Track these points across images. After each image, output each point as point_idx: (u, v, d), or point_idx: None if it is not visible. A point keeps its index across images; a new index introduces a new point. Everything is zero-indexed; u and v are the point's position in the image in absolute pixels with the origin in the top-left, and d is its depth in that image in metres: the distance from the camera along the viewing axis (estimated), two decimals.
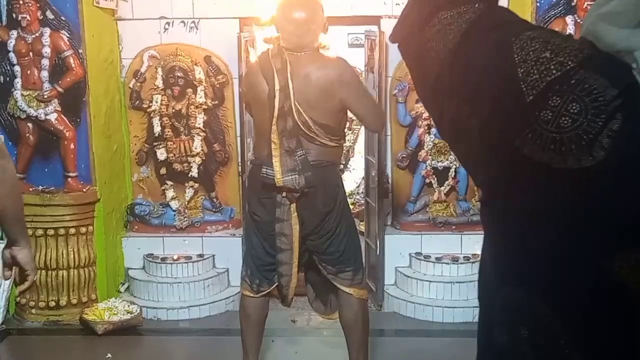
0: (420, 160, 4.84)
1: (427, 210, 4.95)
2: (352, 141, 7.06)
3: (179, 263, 4.94)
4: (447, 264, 4.81)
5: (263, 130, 3.60)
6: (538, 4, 4.37)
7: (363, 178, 5.79)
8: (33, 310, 4.75)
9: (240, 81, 4.41)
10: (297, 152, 3.52)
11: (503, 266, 0.94)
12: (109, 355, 4.31)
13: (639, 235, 0.78)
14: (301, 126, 3.46)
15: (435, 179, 4.87)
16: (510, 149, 0.84)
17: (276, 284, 3.75)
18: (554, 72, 0.81)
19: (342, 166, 6.80)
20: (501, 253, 0.94)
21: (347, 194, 6.39)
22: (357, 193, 6.76)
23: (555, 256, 0.83)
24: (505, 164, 0.86)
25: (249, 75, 3.78)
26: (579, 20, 4.37)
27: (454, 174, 4.86)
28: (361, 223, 5.88)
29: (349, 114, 3.87)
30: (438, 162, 4.83)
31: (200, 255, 4.98)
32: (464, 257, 4.83)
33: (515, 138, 0.83)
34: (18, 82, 4.51)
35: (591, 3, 4.16)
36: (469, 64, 0.91)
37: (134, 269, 5.08)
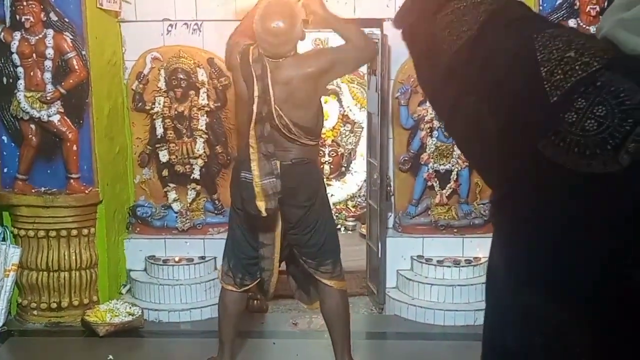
0: (422, 163, 4.85)
1: (429, 213, 4.96)
2: (354, 144, 7.04)
3: (181, 265, 4.95)
4: (449, 266, 4.83)
5: (243, 131, 3.72)
6: (541, 7, 4.37)
7: (365, 180, 5.87)
8: (34, 312, 4.78)
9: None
10: (273, 156, 3.62)
11: (520, 271, 0.92)
12: (111, 357, 4.32)
13: None
14: (282, 129, 3.58)
15: (437, 181, 4.88)
16: (532, 151, 0.82)
17: (259, 279, 3.85)
18: (580, 72, 0.79)
19: (343, 168, 7.09)
20: (517, 257, 0.92)
21: (345, 198, 6.47)
22: (359, 196, 6.85)
23: (576, 263, 0.82)
24: (525, 165, 0.84)
25: (236, 65, 3.82)
26: (581, 24, 4.40)
27: (455, 176, 4.87)
28: (363, 225, 5.92)
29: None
30: (440, 165, 4.85)
31: (202, 257, 4.99)
32: (465, 260, 4.83)
33: (537, 140, 0.81)
34: (21, 83, 4.53)
35: (594, 7, 4.39)
36: (488, 60, 0.88)
37: (136, 270, 5.09)
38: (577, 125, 0.77)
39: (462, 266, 4.83)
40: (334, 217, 4.36)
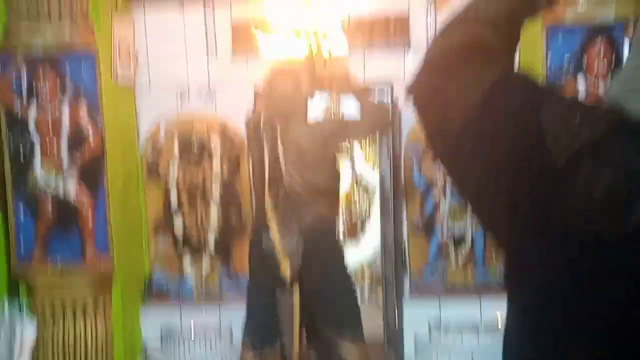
0: (436, 225, 4.79)
1: (445, 275, 4.87)
2: (368, 206, 7.08)
3: (196, 337, 4.97)
4: (467, 331, 4.76)
5: (259, 197, 3.81)
6: (549, 65, 4.40)
7: (379, 243, 5.77)
8: None
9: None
10: (292, 220, 3.65)
11: (526, 339, 0.92)
12: None
13: None
14: (296, 190, 3.64)
15: (452, 244, 4.82)
16: (541, 216, 0.83)
17: (279, 344, 3.86)
18: (585, 137, 0.80)
19: (357, 232, 7.06)
20: (524, 324, 0.92)
21: (359, 262, 6.55)
22: (373, 259, 6.73)
23: (590, 330, 0.81)
24: (534, 229, 0.85)
25: (249, 129, 3.97)
26: (589, 79, 4.40)
27: (470, 238, 4.82)
28: (378, 289, 5.87)
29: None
30: (454, 227, 4.79)
31: (219, 328, 4.96)
32: (483, 324, 4.76)
33: (545, 207, 0.82)
34: (37, 154, 4.50)
35: (603, 67, 4.38)
36: (495, 126, 0.90)
37: (152, 339, 5.05)
38: (585, 190, 0.78)
39: (480, 331, 4.76)
40: (353, 282, 4.35)
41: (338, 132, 3.86)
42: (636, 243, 0.76)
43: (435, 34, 1.08)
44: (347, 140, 4.11)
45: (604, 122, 0.82)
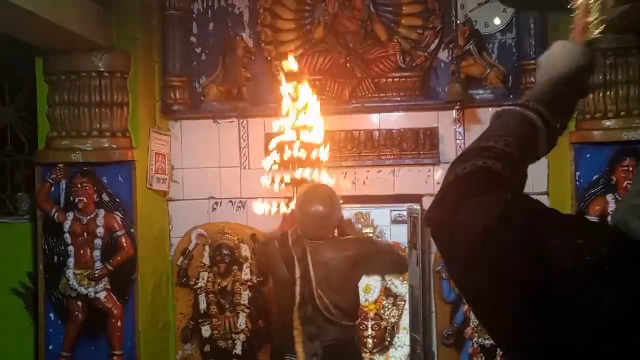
0: (466, 337, 4.71)
1: None
2: (397, 317, 6.71)
3: None
4: None
5: (283, 315, 3.71)
6: (578, 183, 4.39)
7: (409, 355, 5.71)
8: None
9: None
10: (317, 337, 3.60)
11: None
12: None
13: None
14: (323, 311, 3.56)
15: (483, 357, 4.65)
16: (547, 336, 0.83)
17: None
18: (589, 258, 0.80)
19: (386, 342, 6.72)
20: None
21: None
22: None
23: None
24: (540, 348, 0.85)
25: (268, 249, 3.88)
26: (619, 198, 4.31)
27: (502, 351, 4.51)
28: None
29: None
30: (485, 339, 4.63)
31: None
32: None
33: (552, 325, 0.82)
34: (71, 261, 4.61)
35: (630, 182, 4.40)
36: (501, 249, 0.91)
37: None
38: (590, 309, 0.78)
39: None
40: None
41: (361, 262, 3.83)
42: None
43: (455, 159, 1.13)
44: (368, 267, 4.03)
45: (609, 244, 0.82)
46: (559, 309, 0.81)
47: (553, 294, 0.82)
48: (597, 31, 1.25)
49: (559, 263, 0.82)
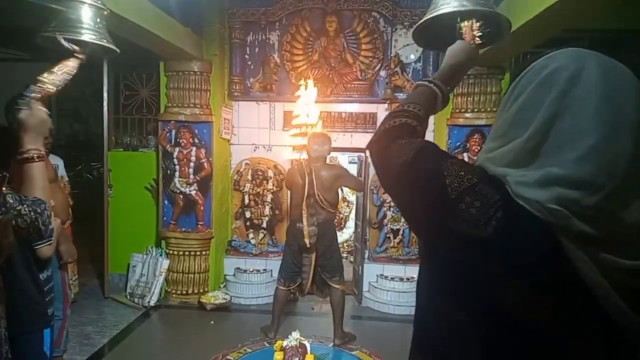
0: (384, 224, 6.05)
1: (387, 251, 6.09)
2: (348, 212, 8.04)
3: (252, 273, 6.07)
4: (397, 281, 5.89)
5: (297, 202, 4.36)
6: (449, 146, 5.60)
7: (353, 232, 6.87)
8: (173, 295, 5.98)
9: (286, 178, 5.11)
10: (314, 216, 4.21)
11: (435, 287, 1.05)
12: (212, 322, 5.28)
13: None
14: (319, 202, 4.25)
15: (392, 234, 6.07)
16: (441, 224, 0.96)
17: (298, 282, 4.52)
18: (466, 183, 0.95)
19: (342, 225, 7.99)
20: (433, 279, 1.06)
21: (344, 240, 6.98)
22: (350, 240, 7.80)
23: (468, 286, 0.97)
24: (438, 232, 0.99)
25: (291, 174, 4.58)
26: (470, 156, 5.50)
27: (402, 232, 6.07)
28: (351, 257, 7.02)
29: (345, 191, 4.55)
30: (394, 225, 6.06)
31: (264, 269, 6.14)
32: (407, 278, 5.93)
33: (445, 218, 0.96)
34: (177, 173, 5.86)
35: (477, 148, 5.30)
36: (417, 175, 1.04)
37: (229, 275, 6.21)
38: (466, 211, 0.94)
39: (404, 281, 5.86)
40: (340, 251, 4.82)
41: (340, 179, 4.38)
42: (493, 244, 0.93)
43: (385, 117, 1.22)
44: (341, 183, 4.47)
45: (477, 175, 0.97)
46: (447, 212, 0.96)
47: (446, 203, 0.96)
48: (479, 40, 1.43)
49: (450, 184, 0.97)
